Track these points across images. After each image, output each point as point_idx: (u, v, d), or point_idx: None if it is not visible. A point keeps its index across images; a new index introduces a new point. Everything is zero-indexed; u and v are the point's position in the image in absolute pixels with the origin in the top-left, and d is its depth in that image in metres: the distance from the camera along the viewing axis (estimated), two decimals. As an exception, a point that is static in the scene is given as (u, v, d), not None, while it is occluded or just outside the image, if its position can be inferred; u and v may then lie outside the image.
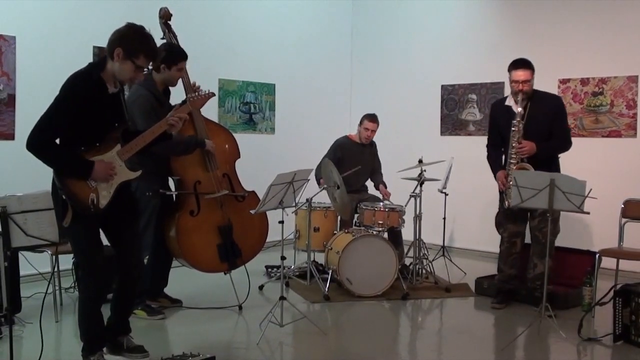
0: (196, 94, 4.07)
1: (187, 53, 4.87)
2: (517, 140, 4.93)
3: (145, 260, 4.89)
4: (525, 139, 4.94)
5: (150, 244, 4.77)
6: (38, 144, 3.31)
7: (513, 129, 4.94)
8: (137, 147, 3.55)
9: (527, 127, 4.95)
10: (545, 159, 4.96)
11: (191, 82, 4.81)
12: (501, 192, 5.15)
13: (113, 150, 3.49)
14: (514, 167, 4.93)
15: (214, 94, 4.09)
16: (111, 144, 3.50)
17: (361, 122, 6.39)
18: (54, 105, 3.38)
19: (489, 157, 5.33)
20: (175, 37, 4.90)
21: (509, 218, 5.16)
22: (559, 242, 5.32)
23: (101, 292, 3.63)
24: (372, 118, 6.36)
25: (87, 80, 3.41)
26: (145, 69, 3.51)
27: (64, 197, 3.37)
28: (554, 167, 5.08)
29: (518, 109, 4.94)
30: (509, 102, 5.14)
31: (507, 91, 7.12)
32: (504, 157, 5.18)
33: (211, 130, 4.93)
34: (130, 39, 3.39)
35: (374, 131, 6.35)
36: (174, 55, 4.67)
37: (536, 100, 5.03)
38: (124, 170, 3.52)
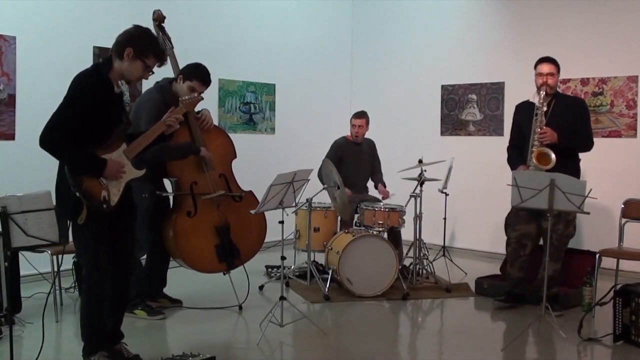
0: (187, 97, 4.12)
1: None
2: (539, 125, 4.94)
3: (143, 261, 4.92)
4: None
5: (145, 244, 4.78)
6: (51, 141, 3.37)
7: (537, 112, 4.96)
8: (142, 146, 3.64)
9: (549, 123, 4.97)
10: (567, 154, 4.94)
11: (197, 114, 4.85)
12: None
13: (120, 149, 3.56)
14: (535, 151, 4.93)
15: (202, 98, 4.19)
16: (117, 143, 3.56)
17: (350, 122, 6.46)
18: (65, 103, 3.44)
19: (509, 158, 5.33)
20: (169, 39, 4.88)
21: (522, 218, 5.09)
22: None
23: (104, 291, 3.63)
24: (357, 114, 6.42)
25: (96, 79, 3.50)
26: (152, 71, 3.57)
27: (77, 194, 3.39)
28: (574, 167, 5.04)
29: (541, 94, 4.97)
30: (533, 99, 5.16)
31: (507, 91, 7.17)
32: (524, 154, 5.13)
33: (207, 131, 4.93)
34: (141, 39, 3.50)
35: (361, 127, 6.37)
36: (193, 72, 4.69)
37: (560, 99, 5.08)
38: (131, 169, 3.59)
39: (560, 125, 4.98)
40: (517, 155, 5.22)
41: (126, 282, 3.80)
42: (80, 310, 3.69)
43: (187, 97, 4.05)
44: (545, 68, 5.06)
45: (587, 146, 5.15)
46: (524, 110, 5.23)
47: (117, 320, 3.83)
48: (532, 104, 5.14)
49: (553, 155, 4.88)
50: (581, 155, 5.17)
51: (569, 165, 4.91)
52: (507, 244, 5.25)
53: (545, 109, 4.99)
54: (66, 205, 3.42)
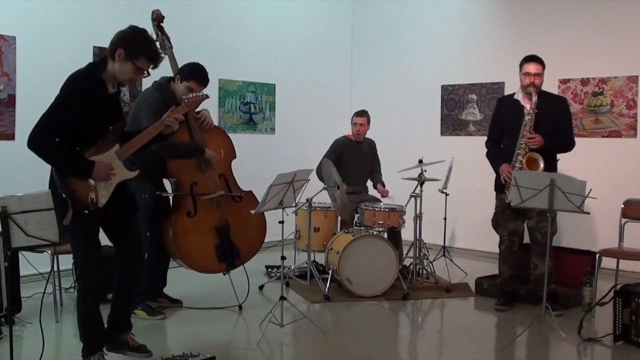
0: (191, 95, 4.09)
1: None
2: (529, 130, 4.94)
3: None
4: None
5: (145, 244, 4.78)
6: (39, 142, 3.34)
7: (527, 117, 4.95)
8: (135, 147, 3.60)
9: (535, 122, 4.97)
10: (548, 157, 4.98)
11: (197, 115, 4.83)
12: (501, 188, 5.13)
13: (112, 150, 3.53)
14: (524, 157, 4.94)
15: (207, 96, 4.12)
16: (110, 143, 3.54)
17: (351, 120, 6.46)
18: (55, 104, 3.41)
19: (488, 153, 5.31)
20: (168, 39, 4.87)
21: (509, 216, 5.14)
22: (560, 242, 5.33)
23: (99, 290, 3.64)
24: (358, 113, 6.44)
25: (89, 80, 3.46)
26: (146, 72, 3.54)
27: (64, 195, 3.39)
28: (554, 167, 5.09)
29: (533, 98, 4.95)
30: (518, 96, 5.16)
31: (507, 91, 7.15)
32: (505, 151, 5.16)
33: (206, 131, 4.92)
34: (133, 40, 3.45)
35: (363, 125, 6.38)
36: (191, 72, 4.67)
37: (544, 98, 5.06)
38: (122, 170, 3.56)
39: (546, 124, 4.98)
40: (498, 151, 5.22)
41: (134, 276, 3.79)
42: (77, 310, 3.69)
43: (190, 96, 4.01)
44: (533, 68, 5.02)
45: (569, 148, 5.15)
46: (509, 105, 5.21)
47: (126, 312, 3.84)
48: (517, 100, 5.14)
49: (542, 164, 4.91)
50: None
51: (547, 168, 4.93)
52: (500, 242, 5.28)
53: (536, 111, 4.95)
54: (56, 205, 3.41)
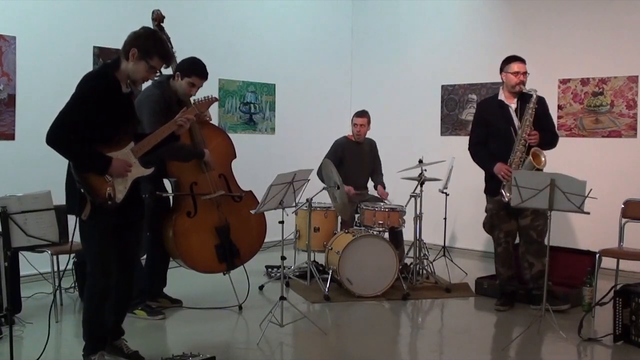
0: (202, 98, 4.14)
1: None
2: (529, 126, 4.95)
3: (143, 261, 4.92)
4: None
5: (145, 244, 4.79)
6: (57, 138, 3.40)
7: (529, 112, 4.96)
8: (150, 145, 3.68)
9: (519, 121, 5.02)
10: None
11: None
12: (494, 192, 5.11)
13: (127, 147, 3.60)
14: (523, 153, 4.93)
15: (217, 99, 4.17)
16: (125, 141, 3.60)
17: (352, 121, 6.46)
18: (72, 102, 3.47)
19: (476, 156, 5.30)
20: (168, 39, 4.88)
21: (505, 217, 5.13)
22: (559, 241, 5.32)
23: (109, 288, 3.64)
24: (359, 113, 6.43)
25: (103, 80, 3.54)
26: (158, 72, 3.63)
27: (82, 190, 3.42)
28: None
29: (534, 95, 4.97)
30: (501, 96, 5.19)
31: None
32: (494, 153, 5.16)
33: (207, 132, 4.93)
34: (146, 40, 3.55)
35: (363, 125, 6.38)
36: (190, 67, 4.69)
37: (525, 97, 5.08)
38: (138, 167, 3.62)
39: (532, 122, 5.00)
40: (486, 153, 5.21)
41: (130, 279, 3.80)
42: (84, 309, 3.69)
43: (202, 98, 4.10)
44: (521, 67, 5.09)
45: (555, 142, 5.18)
46: (493, 107, 5.21)
47: (120, 316, 3.85)
48: (501, 100, 5.17)
49: (543, 158, 4.92)
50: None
51: None
52: (497, 245, 5.27)
53: (536, 107, 4.98)
54: (74, 201, 3.44)
